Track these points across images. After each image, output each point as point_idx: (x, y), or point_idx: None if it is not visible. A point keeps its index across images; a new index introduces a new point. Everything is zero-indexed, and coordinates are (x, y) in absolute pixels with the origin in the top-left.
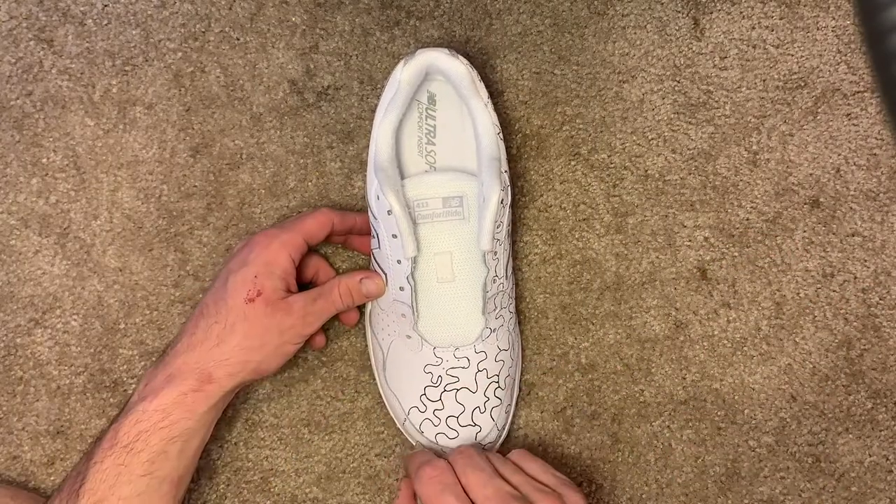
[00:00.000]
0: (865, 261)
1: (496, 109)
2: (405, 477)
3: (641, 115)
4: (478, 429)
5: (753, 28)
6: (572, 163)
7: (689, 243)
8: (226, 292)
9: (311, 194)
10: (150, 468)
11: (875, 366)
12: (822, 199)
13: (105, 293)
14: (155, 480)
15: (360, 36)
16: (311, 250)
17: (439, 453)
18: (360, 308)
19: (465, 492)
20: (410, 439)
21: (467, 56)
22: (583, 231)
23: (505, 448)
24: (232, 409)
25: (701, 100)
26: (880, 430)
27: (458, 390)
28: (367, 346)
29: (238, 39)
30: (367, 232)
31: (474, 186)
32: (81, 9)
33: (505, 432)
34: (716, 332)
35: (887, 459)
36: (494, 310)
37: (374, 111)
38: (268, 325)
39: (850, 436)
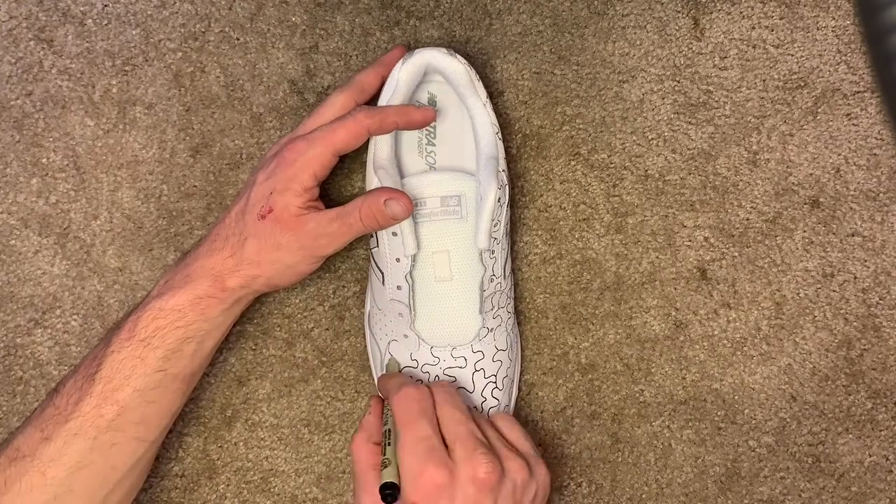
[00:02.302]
0: (865, 261)
1: (496, 109)
2: (376, 395)
3: (641, 115)
4: None
5: (753, 28)
6: (572, 163)
7: (689, 243)
8: (246, 205)
9: None
10: (165, 364)
11: (875, 366)
12: (822, 199)
13: (105, 293)
14: (168, 377)
15: (360, 36)
16: None
17: (424, 382)
18: (360, 308)
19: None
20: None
21: (467, 56)
22: (583, 231)
23: None
24: (232, 410)
25: (701, 100)
26: (880, 430)
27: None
28: (366, 346)
29: (238, 39)
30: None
31: (473, 186)
32: (81, 9)
33: None
34: (716, 332)
35: (887, 459)
36: (492, 309)
37: None
38: (278, 244)
39: (850, 436)
